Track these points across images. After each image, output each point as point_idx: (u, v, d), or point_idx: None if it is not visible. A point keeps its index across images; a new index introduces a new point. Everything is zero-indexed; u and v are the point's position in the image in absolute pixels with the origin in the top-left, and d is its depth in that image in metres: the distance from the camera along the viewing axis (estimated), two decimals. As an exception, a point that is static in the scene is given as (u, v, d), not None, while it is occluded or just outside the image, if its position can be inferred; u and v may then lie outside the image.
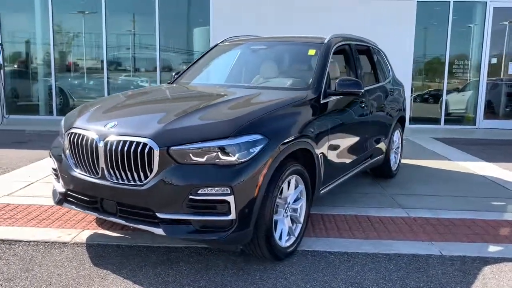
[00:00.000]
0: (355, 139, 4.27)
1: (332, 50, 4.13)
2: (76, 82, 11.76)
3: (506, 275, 3.03)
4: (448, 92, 11.24)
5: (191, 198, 2.65)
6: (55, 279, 2.84)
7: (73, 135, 3.06)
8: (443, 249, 3.41)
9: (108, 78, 11.21)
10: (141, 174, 2.74)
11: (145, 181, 2.73)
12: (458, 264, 3.17)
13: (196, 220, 2.70)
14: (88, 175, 2.97)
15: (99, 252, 3.24)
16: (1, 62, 9.71)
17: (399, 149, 5.80)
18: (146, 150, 2.70)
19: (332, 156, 3.78)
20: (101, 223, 3.74)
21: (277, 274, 2.97)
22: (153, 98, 3.81)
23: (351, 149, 4.22)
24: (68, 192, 3.13)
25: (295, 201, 3.30)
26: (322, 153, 3.57)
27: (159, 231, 2.73)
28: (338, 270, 3.04)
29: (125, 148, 2.76)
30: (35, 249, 3.27)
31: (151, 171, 2.71)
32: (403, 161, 6.55)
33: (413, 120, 11.20)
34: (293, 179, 3.17)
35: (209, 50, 4.80)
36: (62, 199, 3.18)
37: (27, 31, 11.49)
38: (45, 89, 11.54)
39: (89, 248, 3.31)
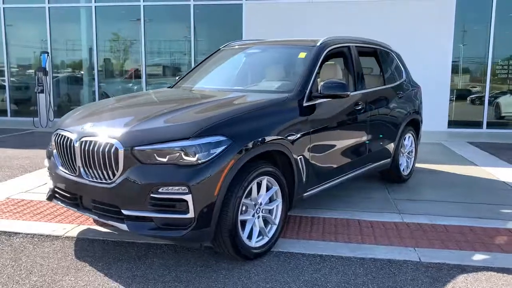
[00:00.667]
0: (349, 142, 4.23)
1: (324, 53, 4.12)
2: (119, 86, 12.37)
3: (480, 284, 2.90)
4: (492, 94, 10.68)
5: (152, 197, 2.79)
6: (36, 268, 3.08)
7: (57, 136, 3.30)
8: (424, 256, 3.31)
9: (146, 82, 11.72)
10: (110, 172, 2.92)
11: (112, 179, 2.90)
12: (432, 271, 3.07)
13: (157, 218, 2.83)
14: (69, 173, 3.19)
15: (84, 246, 3.46)
16: (47, 69, 10.41)
17: (413, 153, 5.63)
18: (112, 150, 2.88)
19: (317, 159, 3.77)
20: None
21: (242, 273, 3.03)
22: (135, 102, 3.96)
23: (344, 153, 4.18)
24: (55, 189, 3.38)
25: (270, 202, 3.35)
26: (303, 155, 3.58)
27: (123, 226, 2.89)
28: (304, 272, 3.05)
29: (95, 148, 2.95)
30: (30, 241, 3.55)
31: (117, 170, 2.88)
32: (422, 165, 6.38)
33: (452, 123, 10.75)
34: (264, 181, 3.22)
35: (211, 55, 4.94)
36: (51, 195, 3.44)
37: (73, 40, 12.28)
38: (90, 94, 12.25)
39: (78, 241, 3.54)
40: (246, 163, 3.04)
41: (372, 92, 4.68)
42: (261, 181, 3.20)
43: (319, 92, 3.77)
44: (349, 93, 3.83)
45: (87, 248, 3.43)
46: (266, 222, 3.34)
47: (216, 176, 2.83)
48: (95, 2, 11.68)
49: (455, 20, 10.31)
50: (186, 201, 2.76)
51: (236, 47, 4.83)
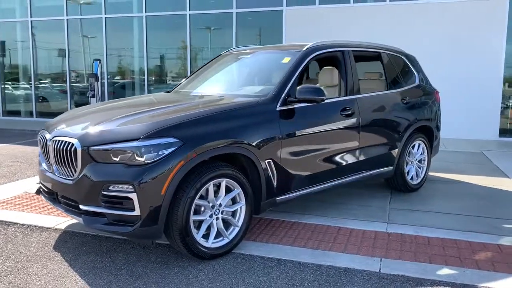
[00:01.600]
0: (332, 148, 4.15)
1: (309, 58, 4.11)
2: (169, 92, 12.92)
3: (428, 299, 2.76)
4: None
5: (103, 194, 2.98)
6: (15, 255, 3.39)
7: (40, 136, 3.61)
8: (386, 267, 3.20)
9: (191, 88, 12.16)
10: (72, 170, 3.16)
11: (73, 176, 3.13)
12: (384, 282, 2.96)
13: (109, 214, 3.01)
14: (47, 169, 3.48)
15: (66, 238, 3.74)
16: (99, 75, 11.18)
17: (425, 162, 5.38)
18: (72, 149, 3.11)
19: (292, 164, 3.77)
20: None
21: (193, 272, 3.12)
22: (111, 106, 4.10)
23: (327, 159, 4.11)
24: (40, 184, 3.69)
25: (234, 204, 3.41)
26: (273, 160, 3.60)
27: (81, 220, 3.10)
28: (252, 275, 3.07)
29: (61, 147, 3.21)
30: (23, 231, 3.90)
31: (77, 168, 3.10)
32: (446, 175, 6.10)
33: (505, 132, 10.03)
34: (223, 182, 3.28)
35: (212, 60, 5.08)
36: (38, 189, 3.76)
37: (126, 47, 13.06)
38: (139, 99, 12.94)
39: (62, 234, 3.83)
40: (201, 164, 3.13)
41: (367, 98, 4.56)
42: (219, 183, 3.27)
43: (295, 97, 3.77)
44: (324, 97, 3.79)
45: (67, 240, 3.70)
46: (228, 223, 3.40)
47: (164, 176, 2.95)
48: (146, 12, 12.36)
49: (507, 22, 9.64)
50: (131, 199, 2.91)
51: (234, 53, 4.93)
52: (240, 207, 3.44)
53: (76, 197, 3.13)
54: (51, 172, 3.41)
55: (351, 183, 4.63)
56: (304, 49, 4.18)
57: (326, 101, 4.23)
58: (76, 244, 3.61)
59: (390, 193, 5.19)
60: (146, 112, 3.46)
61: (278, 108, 3.71)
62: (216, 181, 3.23)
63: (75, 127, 3.32)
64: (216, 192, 3.29)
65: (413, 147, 5.18)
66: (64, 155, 3.20)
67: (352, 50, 4.59)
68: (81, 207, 3.09)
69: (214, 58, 5.07)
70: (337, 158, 4.23)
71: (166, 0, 12.34)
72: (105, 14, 12.76)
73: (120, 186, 2.94)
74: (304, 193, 4.00)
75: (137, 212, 2.93)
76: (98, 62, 11.33)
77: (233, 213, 3.43)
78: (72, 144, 3.12)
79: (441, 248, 3.56)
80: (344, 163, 4.31)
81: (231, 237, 3.39)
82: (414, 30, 10.00)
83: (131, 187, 2.90)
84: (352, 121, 4.30)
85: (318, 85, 4.87)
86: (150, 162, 2.94)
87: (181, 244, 3.11)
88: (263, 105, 3.67)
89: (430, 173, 6.18)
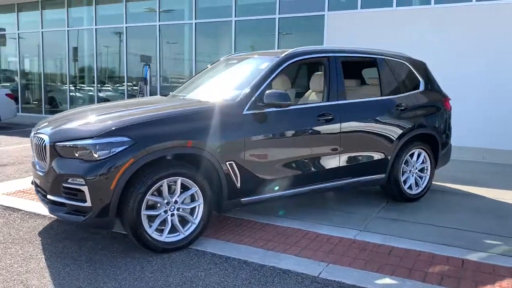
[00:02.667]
0: (306, 153, 4.18)
1: (285, 65, 4.20)
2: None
3: (347, 306, 2.75)
4: None
5: (63, 186, 3.32)
6: (4, 237, 3.84)
7: (31, 134, 4.06)
8: (328, 272, 3.21)
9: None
10: (44, 163, 3.53)
11: (45, 169, 3.51)
12: (315, 285, 2.99)
13: (68, 204, 3.34)
14: (34, 163, 3.91)
15: (53, 225, 4.15)
16: (148, 79, 11.90)
17: (427, 171, 5.17)
18: (43, 144, 3.49)
19: (258, 167, 3.87)
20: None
21: (142, 262, 3.35)
22: (95, 107, 4.37)
23: (301, 164, 4.15)
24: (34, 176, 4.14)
25: (192, 201, 3.60)
26: (235, 162, 3.74)
27: (47, 209, 3.46)
28: (193, 269, 3.23)
29: (37, 142, 3.61)
30: (22, 217, 4.38)
31: (47, 161, 3.47)
32: (460, 186, 5.83)
33: None
34: (179, 181, 3.48)
35: (211, 64, 5.31)
36: (32, 181, 4.21)
37: (177, 53, 13.74)
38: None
39: (54, 221, 4.25)
40: (153, 163, 3.36)
41: (352, 104, 4.52)
42: (175, 181, 3.48)
43: (262, 102, 3.88)
44: (289, 103, 3.86)
45: (53, 226, 4.11)
46: (183, 220, 3.59)
47: (114, 172, 3.22)
48: (195, 19, 12.94)
49: None
50: (83, 192, 3.22)
51: (228, 58, 5.13)
52: (198, 205, 3.62)
53: (45, 188, 3.51)
54: (34, 165, 3.83)
55: (339, 189, 4.63)
56: (283, 55, 4.26)
57: (302, 106, 4.31)
58: (58, 231, 4.00)
59: (386, 202, 5.07)
60: (113, 113, 3.75)
61: (245, 112, 3.84)
62: (170, 179, 3.44)
63: (51, 125, 3.71)
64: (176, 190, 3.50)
65: (411, 156, 5.02)
66: (39, 149, 3.59)
67: (341, 56, 4.59)
68: (48, 196, 3.46)
69: (212, 64, 5.29)
70: (313, 163, 4.25)
71: (213, 8, 12.82)
72: (159, 21, 13.53)
73: (75, 179, 3.25)
74: (274, 196, 4.08)
75: (88, 203, 3.23)
76: (147, 67, 12.06)
77: (192, 210, 3.62)
78: (44, 140, 3.50)
79: (398, 258, 3.47)
80: (322, 168, 4.31)
81: (187, 233, 3.57)
82: (462, 33, 9.49)
83: (82, 180, 3.21)
84: (331, 126, 4.30)
85: (310, 90, 4.96)
86: (102, 158, 3.23)
87: (132, 236, 3.36)
88: (229, 109, 3.82)
89: (445, 184, 5.94)
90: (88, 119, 3.64)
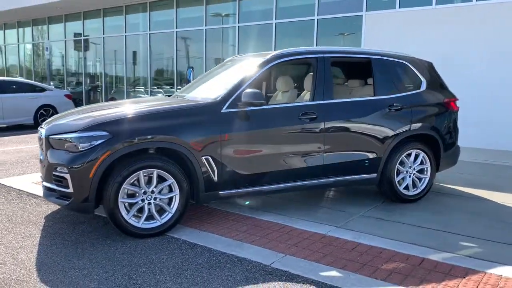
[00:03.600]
0: (288, 150, 4.33)
1: (269, 65, 4.40)
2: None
3: (279, 292, 2.91)
4: None
5: (53, 173, 3.77)
6: (15, 218, 4.38)
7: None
8: (281, 262, 3.37)
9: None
10: (43, 154, 4.02)
11: (43, 159, 4.00)
12: (260, 273, 3.17)
13: (57, 190, 3.79)
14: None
15: (60, 210, 4.65)
16: (192, 81, 12.47)
17: (427, 172, 5.10)
18: (41, 137, 3.98)
19: (236, 162, 4.10)
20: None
21: (117, 245, 3.71)
22: (93, 107, 4.70)
23: (283, 160, 4.31)
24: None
25: (169, 192, 3.92)
26: (211, 156, 4.00)
27: (42, 194, 3.95)
28: (159, 253, 3.53)
29: (39, 135, 4.11)
30: (38, 202, 4.94)
31: (44, 152, 3.95)
32: (469, 189, 5.64)
33: None
34: (155, 173, 3.81)
35: (216, 66, 5.61)
36: (44, 171, 4.75)
37: (221, 56, 14.22)
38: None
39: (61, 207, 4.75)
40: (130, 155, 3.72)
41: (338, 103, 4.61)
42: (152, 173, 3.81)
43: (240, 100, 4.11)
44: (262, 101, 4.06)
45: (59, 211, 4.61)
46: (161, 209, 3.91)
47: (92, 162, 3.61)
48: (238, 23, 13.35)
49: None
50: (67, 179, 3.64)
51: (228, 60, 5.40)
52: (175, 196, 3.92)
53: (42, 175, 3.99)
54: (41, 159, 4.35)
55: (325, 187, 4.73)
56: (268, 56, 4.46)
57: (283, 105, 4.48)
58: (62, 215, 4.49)
59: (382, 202, 5.07)
60: (103, 110, 4.16)
61: (224, 111, 4.09)
62: (146, 170, 3.78)
63: (51, 121, 4.20)
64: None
65: (408, 156, 4.98)
66: (40, 142, 4.09)
67: (331, 57, 4.69)
68: (43, 183, 3.94)
69: (218, 64, 5.59)
70: (294, 161, 4.39)
71: (254, 12, 13.15)
72: (206, 26, 14.11)
73: (61, 168, 3.69)
74: (254, 191, 4.29)
75: (70, 190, 3.65)
76: (191, 69, 12.64)
77: (170, 200, 3.93)
78: (42, 133, 3.99)
79: (359, 254, 3.55)
80: (304, 166, 4.44)
81: (163, 221, 3.89)
82: (505, 31, 9.03)
83: (65, 169, 3.64)
84: (314, 125, 4.42)
85: (305, 90, 5.11)
86: (83, 150, 3.64)
87: (111, 221, 3.74)
88: (208, 108, 4.09)
89: (452, 186, 5.79)
90: (79, 116, 4.08)
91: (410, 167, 5.02)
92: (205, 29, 14.22)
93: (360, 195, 5.38)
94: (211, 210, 4.67)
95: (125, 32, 16.69)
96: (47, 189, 3.94)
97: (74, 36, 18.89)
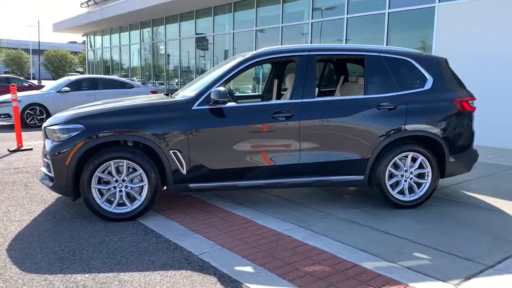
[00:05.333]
0: (260, 148, 4.39)
1: (246, 64, 4.52)
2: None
3: (178, 281, 3.09)
4: None
5: (44, 160, 4.39)
6: (37, 198, 5.14)
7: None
8: (208, 253, 3.53)
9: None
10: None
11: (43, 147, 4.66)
12: (184, 261, 3.37)
13: (47, 174, 4.40)
14: (55, 143, 5.13)
15: (73, 193, 5.31)
16: (260, 78, 12.82)
17: (427, 177, 4.73)
18: (43, 128, 4.63)
19: (204, 157, 4.32)
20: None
21: (89, 226, 4.17)
22: (92, 104, 5.19)
23: (255, 158, 4.40)
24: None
25: (140, 182, 4.30)
26: (179, 150, 4.27)
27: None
28: (115, 235, 3.92)
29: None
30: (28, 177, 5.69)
31: (43, 141, 4.61)
32: (480, 196, 5.12)
33: None
34: (124, 163, 4.21)
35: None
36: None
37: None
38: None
39: (77, 190, 5.43)
40: (102, 146, 4.17)
41: (317, 102, 4.53)
42: (121, 164, 4.22)
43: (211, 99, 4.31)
44: (225, 100, 4.21)
45: (71, 194, 5.27)
46: (130, 196, 4.30)
47: (68, 151, 4.13)
48: (312, 19, 13.30)
49: None
50: (50, 165, 4.22)
51: (229, 59, 5.57)
52: (144, 186, 4.28)
53: (42, 162, 4.66)
54: (48, 146, 5.04)
55: (303, 186, 4.69)
56: (246, 56, 4.57)
57: (254, 103, 4.57)
58: (68, 198, 5.13)
59: (373, 206, 4.83)
60: (91, 107, 4.66)
61: (194, 108, 4.33)
62: (117, 161, 4.20)
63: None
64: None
65: (403, 159, 4.68)
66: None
67: (315, 55, 4.62)
68: (41, 169, 4.59)
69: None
70: (267, 158, 4.44)
71: (327, 8, 12.97)
72: (256, 26, 14.29)
73: (47, 155, 4.28)
74: (226, 186, 4.46)
75: (52, 174, 4.23)
76: (261, 67, 12.97)
77: (141, 189, 4.30)
78: (43, 125, 4.65)
79: (293, 254, 3.54)
80: (277, 164, 4.47)
81: (133, 207, 4.29)
82: None
83: (48, 156, 4.22)
84: (289, 124, 4.42)
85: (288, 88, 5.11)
86: (62, 140, 4.18)
87: (86, 204, 4.23)
88: (179, 105, 4.37)
89: (471, 194, 5.27)
90: (71, 111, 4.65)
91: (406, 170, 4.71)
92: (281, 27, 14.41)
93: (358, 197, 5.19)
94: (195, 201, 4.94)
95: (213, 33, 17.60)
96: (43, 173, 4.58)
97: (186, 35, 20.31)
